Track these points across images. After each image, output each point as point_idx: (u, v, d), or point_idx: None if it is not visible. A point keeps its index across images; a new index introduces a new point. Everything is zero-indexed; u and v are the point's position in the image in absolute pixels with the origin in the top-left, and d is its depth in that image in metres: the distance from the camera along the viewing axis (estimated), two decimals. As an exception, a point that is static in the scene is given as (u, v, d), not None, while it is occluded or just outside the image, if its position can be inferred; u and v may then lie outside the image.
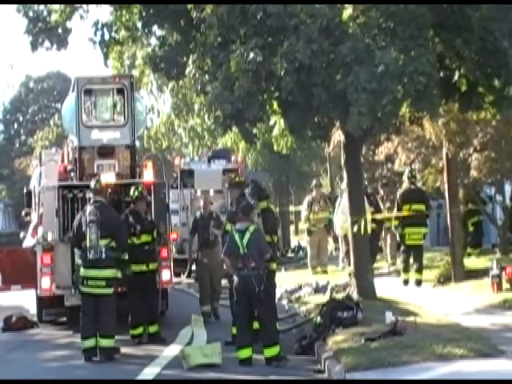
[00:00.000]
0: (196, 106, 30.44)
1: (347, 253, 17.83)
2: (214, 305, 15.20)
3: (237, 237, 11.22)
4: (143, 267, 13.08)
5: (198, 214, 15.51)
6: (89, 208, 12.24)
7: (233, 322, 11.98)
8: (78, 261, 12.48)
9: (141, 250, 13.10)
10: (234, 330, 11.77)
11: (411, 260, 17.27)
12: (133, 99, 14.78)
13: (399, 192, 17.92)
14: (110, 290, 11.98)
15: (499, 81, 12.99)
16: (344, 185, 19.73)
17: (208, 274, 15.24)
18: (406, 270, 17.20)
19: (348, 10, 12.17)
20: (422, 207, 17.12)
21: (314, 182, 22.27)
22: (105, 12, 18.80)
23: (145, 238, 13.21)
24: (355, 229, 14.27)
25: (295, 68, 11.70)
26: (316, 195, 21.16)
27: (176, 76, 14.11)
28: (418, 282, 16.84)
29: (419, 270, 16.96)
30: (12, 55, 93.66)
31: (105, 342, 11.76)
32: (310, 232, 20.96)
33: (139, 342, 12.88)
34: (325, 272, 20.05)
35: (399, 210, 17.30)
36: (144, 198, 13.43)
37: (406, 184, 17.60)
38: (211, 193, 21.94)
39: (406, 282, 17.09)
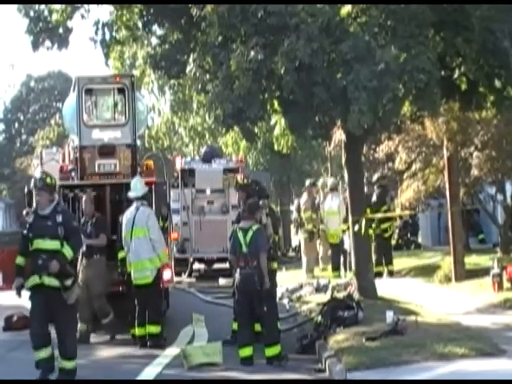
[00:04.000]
0: (194, 105, 30.44)
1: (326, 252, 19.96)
2: (103, 322, 13.49)
3: (240, 235, 11.25)
4: None
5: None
6: None
7: (234, 318, 11.99)
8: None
9: None
10: (235, 326, 11.78)
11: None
12: (134, 99, 14.77)
13: (344, 199, 18.47)
14: None
15: (499, 81, 12.98)
16: (329, 186, 20.09)
17: (85, 287, 13.04)
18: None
19: (347, 7, 12.16)
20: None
21: (308, 182, 21.36)
22: (105, 11, 18.83)
23: None
24: (356, 228, 14.25)
25: (296, 67, 11.69)
26: (314, 194, 20.71)
27: (176, 74, 14.11)
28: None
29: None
30: (13, 55, 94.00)
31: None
32: (312, 234, 20.15)
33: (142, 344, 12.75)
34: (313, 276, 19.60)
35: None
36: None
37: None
38: (212, 192, 21.94)
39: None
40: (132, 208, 12.90)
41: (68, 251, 9.97)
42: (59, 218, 10.02)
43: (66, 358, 10.01)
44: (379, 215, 18.01)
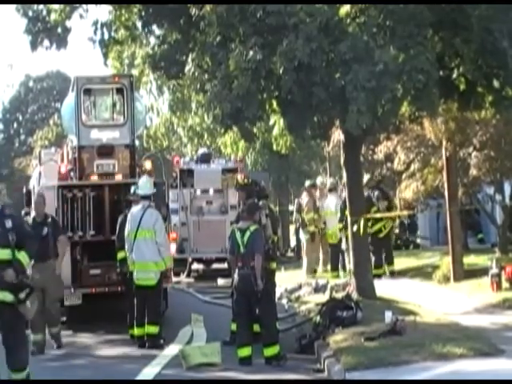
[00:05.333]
0: (193, 105, 30.40)
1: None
2: (52, 331, 12.70)
3: (238, 235, 11.25)
4: None
5: (31, 217, 13.03)
6: None
7: (233, 319, 11.99)
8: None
9: None
10: (234, 327, 11.78)
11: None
12: (132, 99, 14.78)
13: (341, 199, 18.55)
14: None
15: (498, 81, 12.98)
16: (328, 187, 20.14)
17: (40, 293, 11.75)
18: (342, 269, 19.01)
19: (346, 7, 12.16)
20: None
21: (308, 182, 21.34)
22: (104, 11, 18.81)
23: None
24: (355, 228, 14.25)
25: (294, 67, 11.68)
26: (314, 195, 20.72)
27: (175, 75, 14.11)
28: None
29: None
30: (12, 55, 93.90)
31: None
32: (314, 235, 20.19)
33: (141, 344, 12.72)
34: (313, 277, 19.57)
35: (343, 214, 17.78)
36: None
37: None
38: (211, 192, 21.94)
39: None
40: (138, 207, 12.84)
41: (24, 258, 8.71)
42: (9, 224, 8.66)
43: (16, 369, 8.69)
44: (368, 216, 17.96)
